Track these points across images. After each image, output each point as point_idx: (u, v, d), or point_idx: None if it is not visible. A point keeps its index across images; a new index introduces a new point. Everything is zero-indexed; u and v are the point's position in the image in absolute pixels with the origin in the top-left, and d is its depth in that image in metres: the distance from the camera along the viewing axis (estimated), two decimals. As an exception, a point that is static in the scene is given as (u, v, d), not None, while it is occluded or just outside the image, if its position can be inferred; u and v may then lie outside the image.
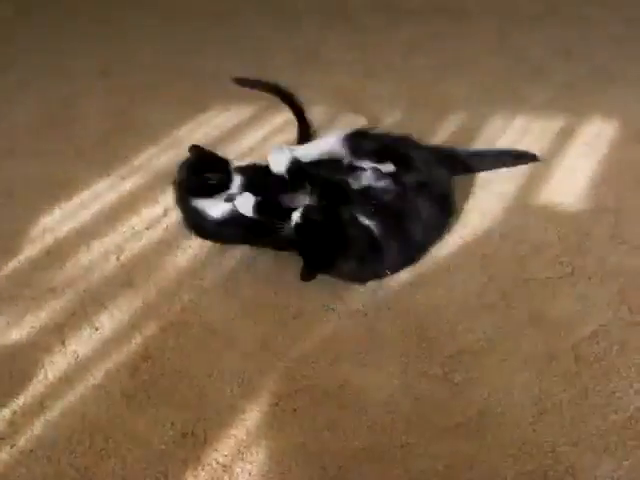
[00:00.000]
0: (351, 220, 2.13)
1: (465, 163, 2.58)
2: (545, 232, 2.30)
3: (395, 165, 2.34)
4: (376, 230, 2.13)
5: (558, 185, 2.50)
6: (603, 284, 2.10)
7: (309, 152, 2.46)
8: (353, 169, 2.38)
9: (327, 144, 2.47)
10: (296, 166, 2.28)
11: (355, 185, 2.32)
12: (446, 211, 2.33)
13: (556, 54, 3.40)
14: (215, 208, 2.26)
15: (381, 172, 2.34)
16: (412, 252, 2.22)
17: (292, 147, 2.47)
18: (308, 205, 2.12)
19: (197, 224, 2.32)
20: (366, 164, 2.38)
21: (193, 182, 2.26)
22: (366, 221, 2.14)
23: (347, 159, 2.41)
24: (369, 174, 2.34)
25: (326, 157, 2.45)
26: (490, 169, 2.60)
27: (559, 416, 1.75)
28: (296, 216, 2.09)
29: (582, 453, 1.67)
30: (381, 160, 2.36)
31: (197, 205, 2.27)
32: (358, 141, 2.44)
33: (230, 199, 2.25)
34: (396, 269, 2.19)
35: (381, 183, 2.30)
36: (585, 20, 3.73)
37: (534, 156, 2.63)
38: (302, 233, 2.09)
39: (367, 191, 2.29)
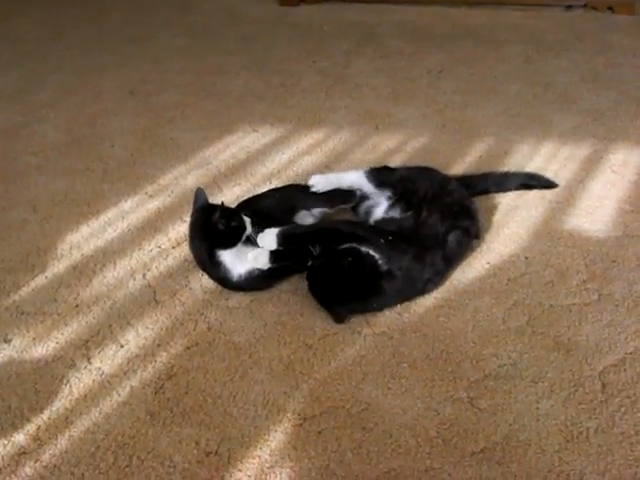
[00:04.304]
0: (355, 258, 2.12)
1: (478, 185, 2.60)
2: (571, 258, 2.29)
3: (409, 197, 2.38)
4: (384, 261, 2.11)
5: (585, 211, 2.50)
6: (630, 311, 2.09)
7: (333, 181, 2.47)
8: (365, 199, 2.44)
9: (349, 178, 2.49)
10: (286, 236, 2.20)
11: (371, 215, 2.40)
12: (468, 234, 2.32)
13: (583, 81, 3.41)
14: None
15: (393, 201, 2.38)
16: (431, 278, 2.20)
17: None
18: (313, 263, 2.15)
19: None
20: (377, 195, 2.42)
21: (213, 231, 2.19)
22: (374, 254, 2.12)
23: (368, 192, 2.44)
24: (379, 203, 2.40)
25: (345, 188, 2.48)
26: (503, 191, 2.62)
27: (586, 444, 1.72)
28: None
29: (609, 483, 1.65)
30: (399, 192, 2.40)
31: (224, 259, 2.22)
32: (380, 175, 2.48)
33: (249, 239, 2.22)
34: (408, 298, 2.18)
35: (394, 213, 2.35)
36: (612, 47, 3.76)
37: (550, 182, 2.65)
38: (314, 286, 2.14)
39: (380, 221, 2.35)
